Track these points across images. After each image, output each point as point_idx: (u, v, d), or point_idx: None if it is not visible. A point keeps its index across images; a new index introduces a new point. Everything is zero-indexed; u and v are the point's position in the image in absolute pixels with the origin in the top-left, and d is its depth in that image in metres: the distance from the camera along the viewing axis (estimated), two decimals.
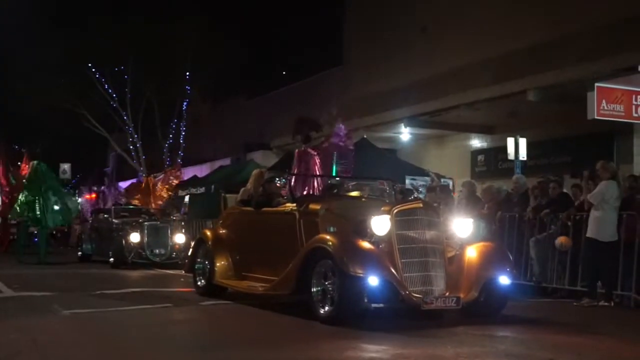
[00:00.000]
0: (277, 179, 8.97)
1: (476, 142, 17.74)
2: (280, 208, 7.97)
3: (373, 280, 6.39)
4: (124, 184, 28.37)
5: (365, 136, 16.98)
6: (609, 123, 12.63)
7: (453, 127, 17.14)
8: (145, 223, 15.11)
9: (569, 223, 9.36)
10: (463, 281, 6.87)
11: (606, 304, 8.26)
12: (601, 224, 8.40)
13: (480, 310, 6.95)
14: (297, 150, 10.99)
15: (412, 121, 16.68)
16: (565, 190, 10.18)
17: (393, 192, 9.00)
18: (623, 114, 12.33)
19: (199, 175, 24.14)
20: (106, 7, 27.33)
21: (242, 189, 9.92)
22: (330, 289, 6.55)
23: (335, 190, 8.88)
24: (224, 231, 9.09)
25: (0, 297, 8.74)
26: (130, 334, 6.08)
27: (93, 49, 26.17)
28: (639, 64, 11.74)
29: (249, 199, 9.04)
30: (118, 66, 27.65)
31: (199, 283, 9.07)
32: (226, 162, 25.79)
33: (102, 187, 27.19)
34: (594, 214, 8.48)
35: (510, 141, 13.66)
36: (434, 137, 18.40)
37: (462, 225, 7.37)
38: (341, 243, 6.64)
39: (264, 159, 22.39)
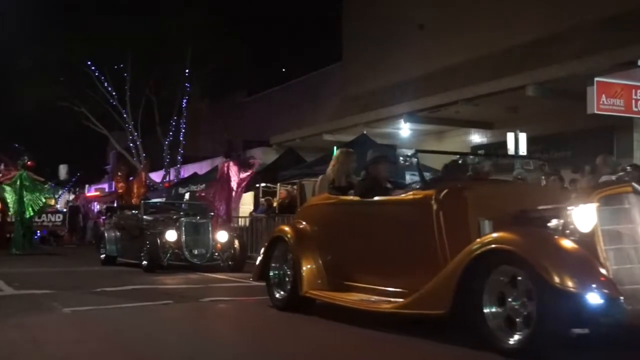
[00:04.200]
0: (385, 161, 6.76)
1: (476, 138, 17.72)
2: (405, 197, 5.99)
3: (594, 298, 4.38)
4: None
5: (365, 132, 17.00)
6: (609, 118, 12.62)
7: (453, 123, 17.13)
8: (183, 219, 13.16)
9: None
10: None
11: None
12: None
13: None
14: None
15: (411, 117, 16.67)
16: (566, 186, 10.17)
17: (542, 175, 6.88)
18: (623, 108, 12.31)
19: (199, 172, 24.17)
20: (105, 4, 27.34)
21: (321, 176, 7.93)
22: (517, 307, 4.71)
23: (467, 173, 6.49)
24: (310, 227, 7.09)
25: (1, 295, 8.72)
26: (131, 332, 6.07)
27: (92, 46, 26.16)
28: (638, 59, 11.71)
29: (345, 185, 7.03)
30: (117, 64, 27.65)
31: (277, 295, 7.11)
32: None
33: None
34: None
35: (510, 136, 13.62)
36: (433, 132, 18.39)
37: None
38: (537, 243, 4.74)
39: (264, 155, 22.39)
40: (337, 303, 6.29)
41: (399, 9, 19.07)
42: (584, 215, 4.79)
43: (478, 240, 5.00)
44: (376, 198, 6.29)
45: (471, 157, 7.03)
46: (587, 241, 4.71)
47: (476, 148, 17.70)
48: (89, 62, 27.16)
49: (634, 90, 12.37)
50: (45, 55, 26.25)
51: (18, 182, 18.78)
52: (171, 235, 12.66)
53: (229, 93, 29.50)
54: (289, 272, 6.99)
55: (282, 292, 7.06)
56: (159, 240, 12.59)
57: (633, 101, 12.37)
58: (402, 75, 18.30)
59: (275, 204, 18.25)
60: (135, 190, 21.06)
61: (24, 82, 26.91)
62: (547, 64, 13.20)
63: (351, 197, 6.67)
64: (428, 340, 5.35)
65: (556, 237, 4.82)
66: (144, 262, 12.69)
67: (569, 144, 14.58)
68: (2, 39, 27.91)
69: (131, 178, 22.79)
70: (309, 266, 6.73)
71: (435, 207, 5.55)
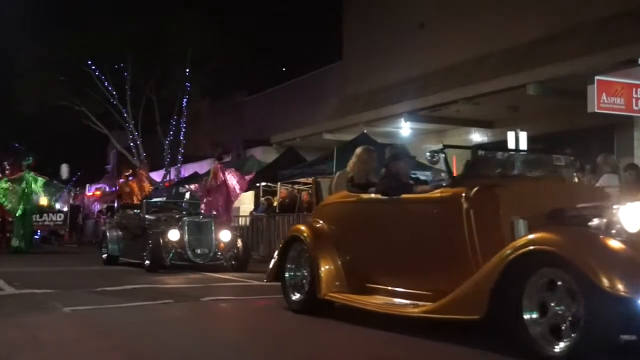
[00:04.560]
0: (406, 157, 6.52)
1: (476, 137, 17.71)
2: (432, 194, 5.67)
3: None
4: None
5: (365, 131, 17.00)
6: (609, 116, 12.61)
7: (453, 122, 17.12)
8: (186, 218, 13.04)
9: None
10: None
11: None
12: None
13: None
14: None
15: (412, 116, 16.67)
16: None
17: (575, 171, 6.39)
18: (623, 107, 12.30)
19: (200, 172, 24.17)
20: (106, 4, 27.34)
21: (338, 173, 7.55)
22: (561, 313, 4.42)
23: (497, 169, 6.11)
24: (328, 227, 6.81)
25: (1, 294, 8.72)
26: (131, 331, 6.07)
27: (93, 46, 26.17)
28: (638, 57, 11.71)
29: (364, 183, 6.73)
30: (118, 63, 27.65)
31: (293, 297, 6.86)
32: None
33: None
34: None
35: (511, 135, 13.60)
36: (434, 131, 18.38)
37: None
38: (582, 243, 4.45)
39: (264, 155, 22.41)
40: (359, 306, 5.97)
41: (400, 8, 19.07)
42: (632, 214, 4.52)
43: (518, 240, 4.69)
44: (401, 196, 5.97)
45: (499, 152, 6.72)
46: (635, 242, 4.41)
47: (477, 147, 17.70)
48: (90, 62, 27.17)
49: (634, 89, 12.36)
50: (45, 55, 26.25)
51: (24, 183, 19.10)
52: (174, 235, 12.54)
53: (229, 92, 29.51)
54: (305, 273, 6.75)
55: (298, 294, 6.80)
56: (161, 240, 12.45)
57: (633, 100, 12.36)
58: (403, 74, 18.30)
59: (275, 203, 18.25)
60: (136, 190, 20.95)
61: (25, 82, 26.92)
62: (547, 63, 13.19)
63: (373, 195, 6.34)
64: (454, 344, 5.13)
65: (602, 237, 4.50)
66: (147, 262, 12.59)
67: (570, 143, 14.56)
68: (3, 39, 27.94)
69: (131, 178, 22.75)
70: (327, 267, 6.46)
71: (465, 205, 5.26)
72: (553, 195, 5.40)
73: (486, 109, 15.38)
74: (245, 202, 22.17)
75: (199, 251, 12.70)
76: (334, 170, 15.71)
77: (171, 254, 12.46)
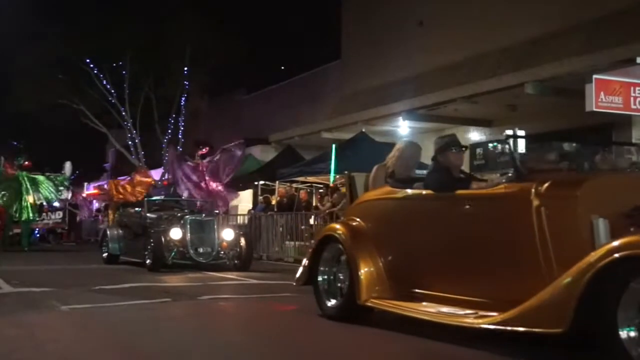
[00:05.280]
0: (456, 147, 5.75)
1: (475, 135, 17.73)
2: (494, 190, 5.07)
3: None
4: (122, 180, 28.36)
5: (363, 130, 17.02)
6: (607, 115, 12.62)
7: (451, 121, 17.12)
8: (188, 217, 12.81)
9: None
10: None
11: None
12: None
13: None
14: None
15: (410, 115, 16.68)
16: None
17: None
18: (621, 105, 12.32)
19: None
20: (105, 2, 27.36)
21: (376, 166, 6.78)
22: None
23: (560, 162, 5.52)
24: (367, 226, 6.18)
25: (0, 293, 8.73)
26: (129, 329, 6.07)
27: (91, 44, 26.17)
28: (637, 56, 11.72)
29: (407, 178, 6.15)
30: (116, 62, 27.65)
31: (328, 303, 6.23)
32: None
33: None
34: None
35: (509, 134, 13.63)
36: (432, 130, 18.35)
37: None
38: None
39: (263, 153, 22.42)
40: (410, 315, 5.31)
41: (398, 6, 19.08)
42: None
43: (607, 242, 4.09)
44: (456, 192, 5.32)
45: (566, 144, 6.15)
46: None
47: (475, 146, 17.72)
48: (88, 60, 27.15)
49: (632, 88, 12.37)
50: (44, 53, 26.24)
51: (21, 184, 19.46)
52: (176, 233, 12.36)
53: (228, 91, 29.52)
54: (341, 277, 6.15)
55: (334, 300, 6.20)
56: (163, 239, 12.25)
57: (632, 98, 12.37)
58: (401, 72, 18.31)
59: (273, 202, 18.26)
60: (128, 194, 20.24)
61: (23, 80, 26.90)
62: (546, 62, 13.19)
63: (421, 191, 5.69)
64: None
65: None
66: (148, 261, 12.38)
67: (568, 142, 14.56)
68: (1, 37, 27.91)
69: (126, 178, 22.29)
70: (368, 270, 5.85)
71: (535, 202, 4.65)
72: (634, 191, 4.70)
73: (484, 107, 15.39)
74: (244, 201, 22.19)
75: (201, 250, 12.49)
76: (333, 169, 15.78)
77: (173, 253, 12.27)
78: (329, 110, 21.61)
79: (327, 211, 14.78)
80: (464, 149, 5.84)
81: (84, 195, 30.63)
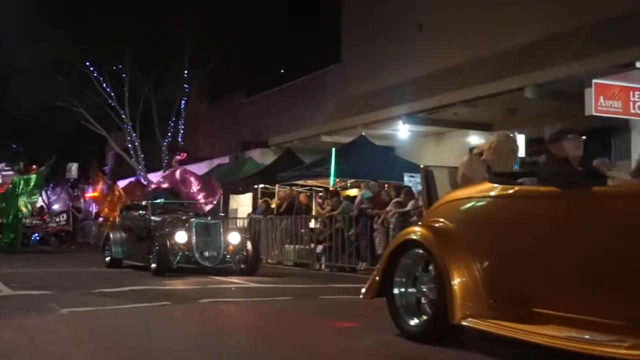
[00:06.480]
0: (572, 134, 4.77)
1: (474, 139, 17.74)
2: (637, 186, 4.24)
3: None
4: (122, 183, 28.38)
5: (363, 133, 17.04)
6: (607, 119, 12.64)
7: (451, 124, 17.16)
8: (193, 220, 12.45)
9: None
10: None
11: None
12: None
13: None
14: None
15: (410, 118, 16.71)
16: None
17: None
18: (621, 110, 12.34)
19: (198, 173, 24.14)
20: (104, 4, 27.36)
21: (467, 156, 6.15)
22: None
23: None
24: (458, 229, 5.06)
25: None
26: (128, 333, 6.06)
27: (91, 47, 26.17)
28: (636, 60, 11.74)
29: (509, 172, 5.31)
30: (116, 64, 27.66)
31: (411, 322, 5.19)
32: (224, 160, 25.84)
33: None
34: None
35: None
36: (432, 134, 18.41)
37: None
38: None
39: (262, 156, 22.43)
40: (528, 340, 4.20)
41: (398, 10, 19.11)
42: None
43: None
44: (594, 189, 4.18)
45: None
46: None
47: (474, 149, 17.72)
48: (88, 63, 27.16)
49: (632, 92, 12.41)
50: (43, 56, 26.23)
51: (18, 188, 19.78)
52: (181, 237, 11.98)
53: (228, 94, 29.53)
54: (425, 289, 5.16)
55: (416, 319, 5.18)
56: (168, 242, 11.88)
57: (631, 103, 12.41)
58: (401, 76, 18.33)
59: (273, 205, 18.26)
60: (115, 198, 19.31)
61: (23, 82, 26.90)
62: (545, 66, 13.23)
63: (538, 187, 4.58)
64: None
65: None
66: (153, 265, 12.02)
67: None
68: (1, 39, 27.92)
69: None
70: (463, 282, 4.75)
71: None
72: None
73: (484, 111, 15.42)
74: (244, 204, 22.19)
75: (207, 254, 12.11)
76: (332, 172, 15.79)
77: (178, 257, 11.92)
78: (329, 113, 21.64)
79: (327, 215, 14.77)
80: (583, 137, 4.81)
81: (86, 196, 30.57)
